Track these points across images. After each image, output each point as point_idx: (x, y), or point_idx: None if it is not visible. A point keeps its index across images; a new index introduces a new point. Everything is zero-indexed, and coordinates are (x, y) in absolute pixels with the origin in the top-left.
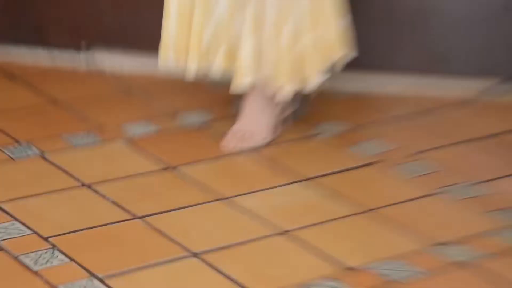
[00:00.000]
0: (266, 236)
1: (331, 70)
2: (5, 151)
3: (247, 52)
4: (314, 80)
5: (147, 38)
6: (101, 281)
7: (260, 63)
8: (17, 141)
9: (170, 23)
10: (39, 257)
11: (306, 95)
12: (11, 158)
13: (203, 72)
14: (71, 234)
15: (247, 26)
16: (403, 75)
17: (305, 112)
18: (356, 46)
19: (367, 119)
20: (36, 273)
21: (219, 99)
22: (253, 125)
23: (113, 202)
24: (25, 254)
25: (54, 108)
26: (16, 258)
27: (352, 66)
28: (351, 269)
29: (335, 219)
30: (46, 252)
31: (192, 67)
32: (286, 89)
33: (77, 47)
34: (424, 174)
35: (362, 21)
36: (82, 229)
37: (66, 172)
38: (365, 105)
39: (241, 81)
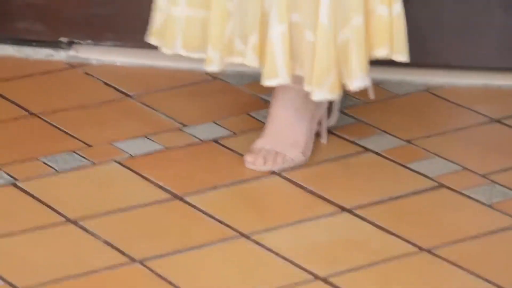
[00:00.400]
0: (298, 284)
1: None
2: None
3: (275, 42)
4: (356, 82)
5: (143, 30)
6: None
7: (292, 57)
8: None
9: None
10: None
11: (346, 100)
12: None
13: (223, 66)
14: (53, 284)
15: (276, 8)
16: (474, 73)
17: (346, 123)
18: (411, 40)
19: (426, 132)
20: None
21: (238, 106)
22: (284, 139)
23: (106, 242)
24: None
25: (27, 122)
26: None
27: (408, 62)
28: None
29: (388, 260)
30: None
31: (213, 57)
32: (322, 93)
33: (55, 42)
34: (501, 201)
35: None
36: (67, 277)
37: (46, 205)
38: (423, 113)
39: (269, 80)
